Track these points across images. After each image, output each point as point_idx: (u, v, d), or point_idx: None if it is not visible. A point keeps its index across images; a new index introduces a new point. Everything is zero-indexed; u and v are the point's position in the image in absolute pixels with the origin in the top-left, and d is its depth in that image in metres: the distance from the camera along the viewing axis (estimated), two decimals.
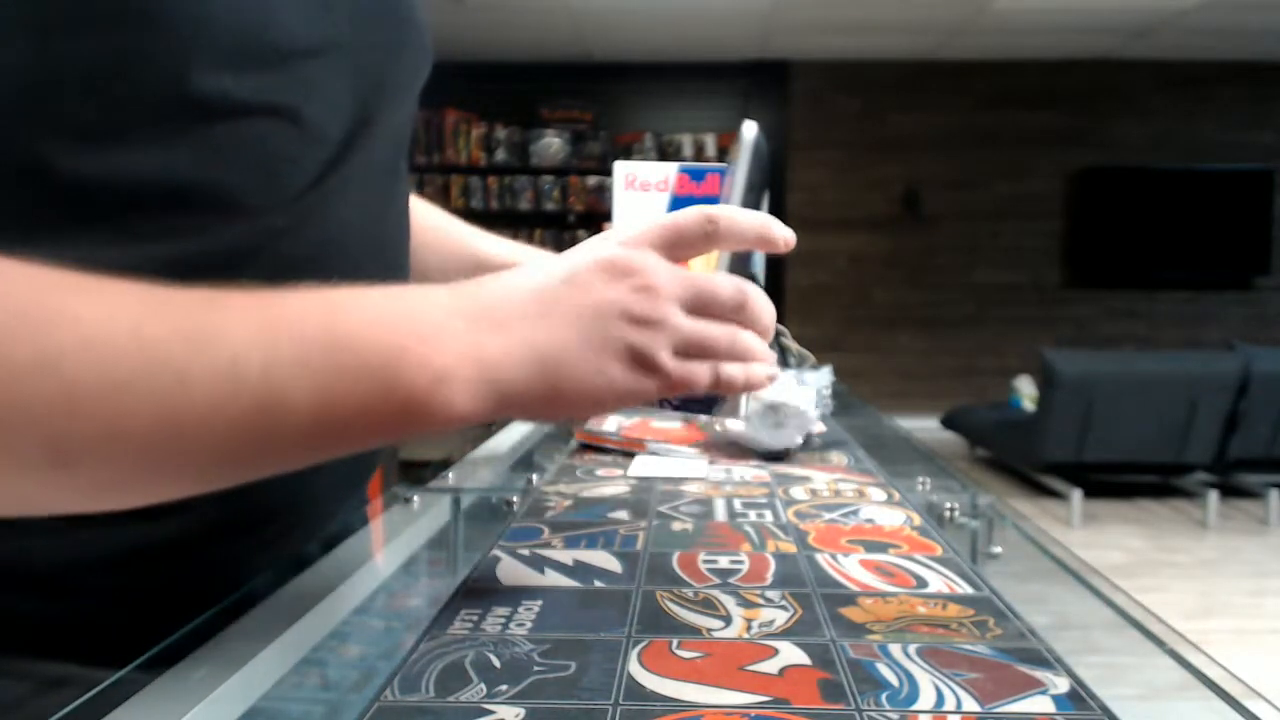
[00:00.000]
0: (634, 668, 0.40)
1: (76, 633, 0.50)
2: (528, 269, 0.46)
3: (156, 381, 0.36)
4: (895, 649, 0.43)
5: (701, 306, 0.47)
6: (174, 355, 0.36)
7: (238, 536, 0.56)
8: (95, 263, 0.40)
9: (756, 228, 0.50)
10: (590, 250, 0.46)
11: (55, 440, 0.34)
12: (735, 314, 0.48)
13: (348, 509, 0.67)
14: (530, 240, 6.59)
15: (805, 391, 0.93)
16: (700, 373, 0.46)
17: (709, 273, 0.48)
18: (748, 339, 0.49)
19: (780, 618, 0.47)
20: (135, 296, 0.37)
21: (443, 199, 6.57)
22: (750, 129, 0.65)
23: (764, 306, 0.49)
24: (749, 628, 0.46)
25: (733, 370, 0.48)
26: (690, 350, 0.46)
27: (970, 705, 0.37)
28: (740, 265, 0.68)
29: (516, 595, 0.50)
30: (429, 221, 0.80)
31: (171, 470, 0.38)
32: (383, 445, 0.43)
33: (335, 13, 0.51)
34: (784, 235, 0.50)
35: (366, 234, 0.58)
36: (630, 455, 0.88)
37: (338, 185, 0.53)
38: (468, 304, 0.43)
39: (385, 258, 0.62)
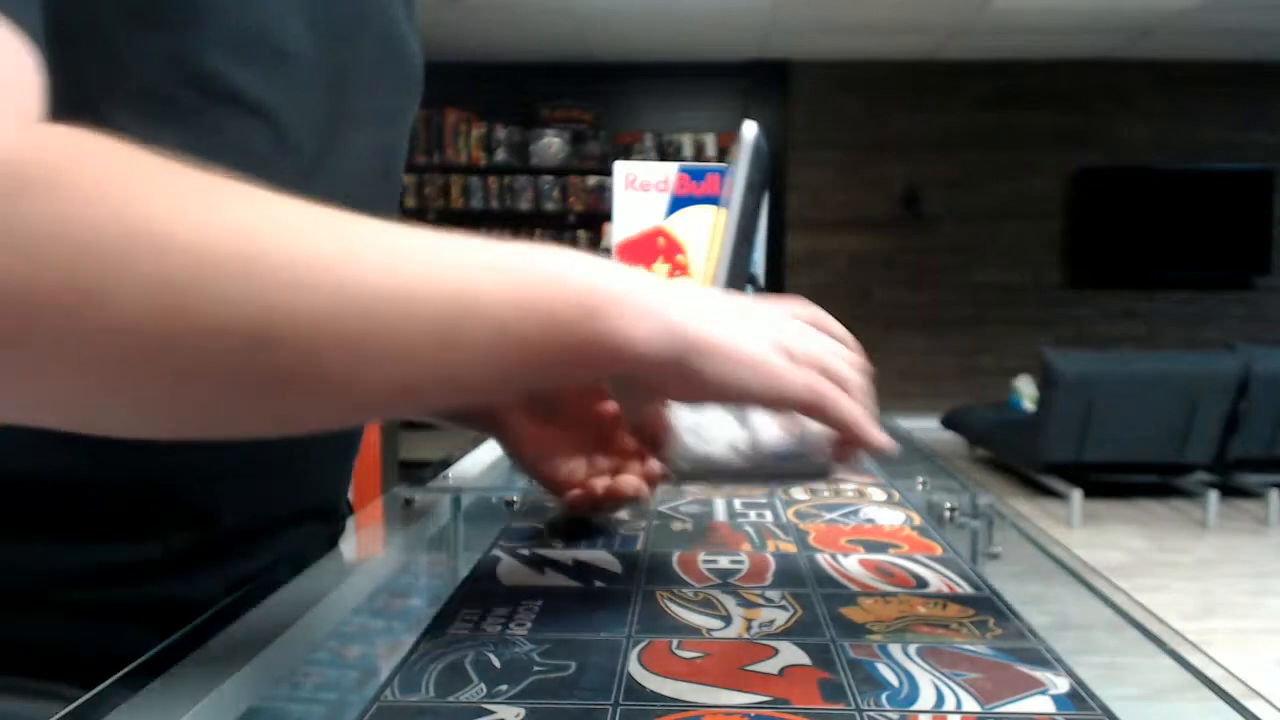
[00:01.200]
0: (634, 668, 0.40)
1: (61, 649, 0.50)
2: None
3: (361, 267, 0.36)
4: (895, 649, 0.43)
5: (833, 365, 0.49)
6: (367, 241, 0.37)
7: (213, 557, 0.56)
8: None
9: (850, 343, 0.53)
10: (771, 307, 0.51)
11: (274, 316, 0.34)
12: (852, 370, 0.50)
13: (319, 526, 0.67)
14: (530, 240, 6.58)
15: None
16: (828, 389, 0.47)
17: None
18: (861, 393, 0.50)
19: (780, 618, 0.47)
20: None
21: (443, 199, 6.57)
22: (750, 129, 0.65)
23: (864, 384, 0.51)
24: (749, 628, 0.46)
25: (852, 407, 0.48)
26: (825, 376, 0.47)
27: (970, 705, 0.37)
28: (740, 266, 0.68)
29: (516, 595, 0.50)
30: None
31: (367, 374, 0.37)
32: (560, 374, 0.42)
33: (316, 26, 0.51)
34: (875, 439, 0.49)
35: None
36: None
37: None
38: (634, 269, 0.45)
39: None
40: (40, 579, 0.50)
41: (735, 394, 0.44)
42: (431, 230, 0.39)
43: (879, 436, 0.47)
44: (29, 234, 0.31)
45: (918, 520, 0.67)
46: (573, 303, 0.39)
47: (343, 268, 0.36)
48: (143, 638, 0.45)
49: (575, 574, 0.54)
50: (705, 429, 0.52)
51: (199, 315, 0.33)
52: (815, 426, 0.51)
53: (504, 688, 0.39)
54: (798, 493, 0.75)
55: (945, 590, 0.52)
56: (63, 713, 0.37)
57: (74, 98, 0.42)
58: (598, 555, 0.58)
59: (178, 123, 0.46)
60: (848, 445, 0.49)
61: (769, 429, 0.52)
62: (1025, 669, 0.41)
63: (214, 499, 0.55)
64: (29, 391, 0.34)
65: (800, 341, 0.47)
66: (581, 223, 6.55)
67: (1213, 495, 4.46)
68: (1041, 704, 0.38)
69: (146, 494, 0.52)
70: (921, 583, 0.53)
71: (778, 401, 0.45)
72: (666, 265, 1.32)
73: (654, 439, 0.51)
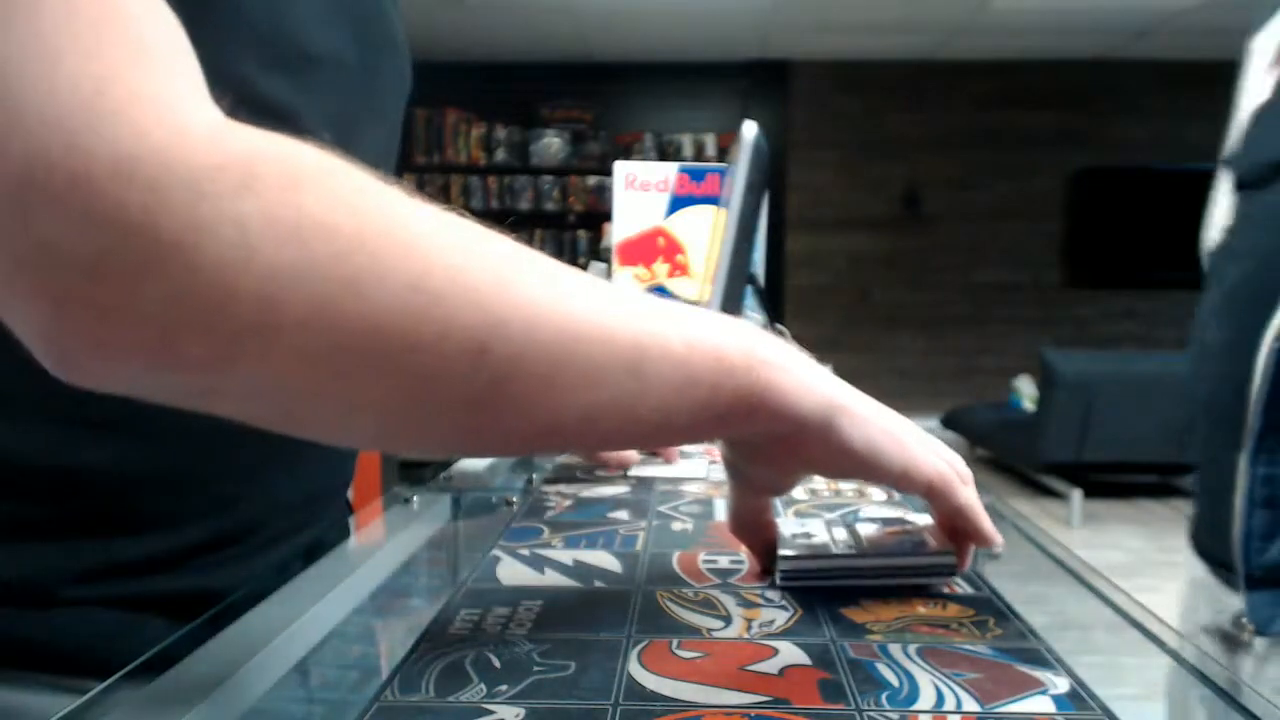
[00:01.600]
0: (634, 668, 0.41)
1: (81, 644, 0.50)
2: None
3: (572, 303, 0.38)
4: (895, 649, 0.43)
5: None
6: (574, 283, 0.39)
7: (230, 548, 0.56)
8: None
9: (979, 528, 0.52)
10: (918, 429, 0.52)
11: (492, 327, 0.36)
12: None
13: (329, 517, 0.67)
14: (530, 240, 6.59)
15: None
16: (954, 473, 0.50)
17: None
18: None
19: (780, 618, 0.47)
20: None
21: (443, 199, 6.56)
22: (750, 129, 0.65)
23: None
24: (749, 628, 0.46)
25: (974, 495, 0.51)
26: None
27: (970, 705, 0.37)
28: (740, 265, 0.68)
29: (516, 595, 0.50)
30: None
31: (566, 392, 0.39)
32: (732, 431, 0.46)
33: (336, 26, 0.51)
34: (992, 534, 0.52)
35: None
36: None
37: None
38: (813, 369, 0.47)
39: None
40: (57, 574, 0.50)
41: (872, 460, 0.46)
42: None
43: (994, 531, 0.50)
44: (304, 223, 0.33)
45: None
46: (741, 354, 0.42)
47: (552, 291, 0.38)
48: (164, 629, 0.45)
49: (575, 574, 0.54)
50: (811, 534, 0.54)
51: (437, 319, 0.35)
52: (923, 531, 0.54)
53: (504, 688, 0.39)
54: (797, 492, 0.75)
55: (945, 590, 0.52)
56: (63, 713, 0.37)
57: None
58: (598, 555, 0.58)
59: None
60: (964, 539, 0.51)
61: (878, 535, 0.54)
62: (1025, 669, 0.41)
63: (231, 491, 0.55)
64: (276, 379, 0.35)
65: (927, 437, 0.50)
66: (581, 223, 6.55)
67: None
68: (1041, 704, 0.38)
69: (165, 487, 0.52)
70: None
71: (908, 476, 0.47)
72: (666, 265, 1.32)
73: (763, 537, 0.53)
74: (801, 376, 0.44)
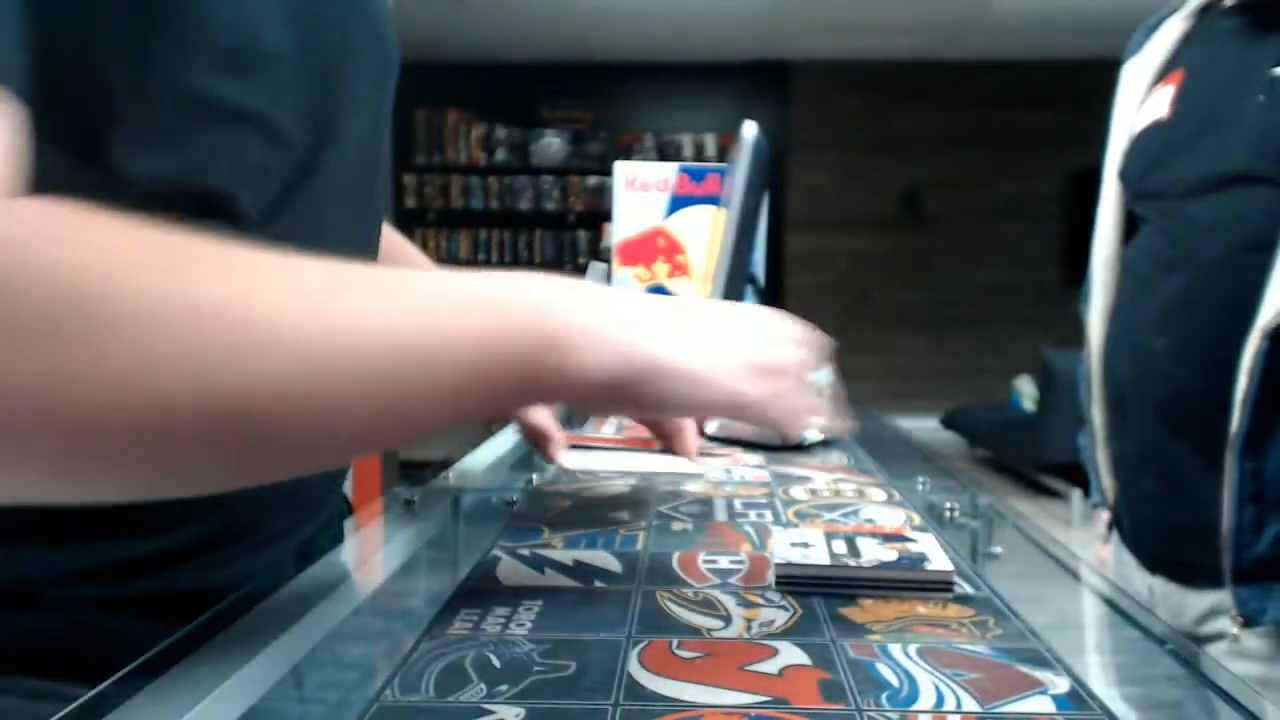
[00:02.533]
0: (634, 668, 0.41)
1: (64, 647, 0.50)
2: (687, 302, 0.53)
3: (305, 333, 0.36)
4: (895, 649, 0.43)
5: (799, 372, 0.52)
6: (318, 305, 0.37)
7: (222, 548, 0.56)
8: None
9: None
10: (743, 312, 0.52)
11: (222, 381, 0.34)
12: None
13: (327, 510, 0.67)
14: (530, 240, 6.60)
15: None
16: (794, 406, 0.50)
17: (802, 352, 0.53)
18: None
19: (780, 618, 0.47)
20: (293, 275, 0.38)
21: (442, 199, 6.57)
22: (750, 129, 0.65)
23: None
24: (749, 628, 0.46)
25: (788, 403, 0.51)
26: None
27: (970, 705, 0.37)
28: (740, 265, 0.68)
29: (516, 595, 0.50)
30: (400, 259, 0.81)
31: (316, 431, 0.38)
32: (513, 406, 0.47)
33: (296, 20, 0.51)
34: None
35: (356, 253, 0.58)
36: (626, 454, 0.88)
37: (312, 201, 0.53)
38: (595, 287, 0.46)
39: None
40: (43, 576, 0.50)
41: (692, 410, 0.47)
42: (401, 269, 0.41)
43: (805, 429, 0.52)
44: (6, 318, 0.31)
45: (918, 520, 0.67)
46: (533, 342, 0.41)
47: (309, 330, 0.36)
48: (154, 630, 0.45)
49: (575, 574, 0.54)
50: (809, 544, 0.54)
51: (165, 398, 0.33)
52: (924, 547, 0.54)
53: (504, 688, 0.39)
54: (798, 492, 0.75)
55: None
56: (63, 712, 0.37)
57: (76, 137, 0.43)
58: (598, 555, 0.58)
59: (177, 146, 0.46)
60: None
61: (877, 549, 0.54)
62: (1025, 669, 0.41)
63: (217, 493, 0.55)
64: (15, 474, 0.34)
65: (763, 353, 0.49)
66: (581, 223, 6.55)
67: None
68: (1041, 704, 0.38)
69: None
70: None
71: (736, 411, 0.48)
72: (666, 265, 1.32)
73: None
74: (604, 345, 0.43)
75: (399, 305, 0.39)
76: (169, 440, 0.35)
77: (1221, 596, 0.90)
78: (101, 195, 0.44)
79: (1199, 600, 0.94)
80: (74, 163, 0.43)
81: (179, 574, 0.53)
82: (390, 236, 0.79)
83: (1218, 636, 0.92)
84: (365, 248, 0.64)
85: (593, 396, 0.44)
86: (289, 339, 0.36)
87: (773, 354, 0.50)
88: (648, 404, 0.46)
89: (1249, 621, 0.87)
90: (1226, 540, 0.86)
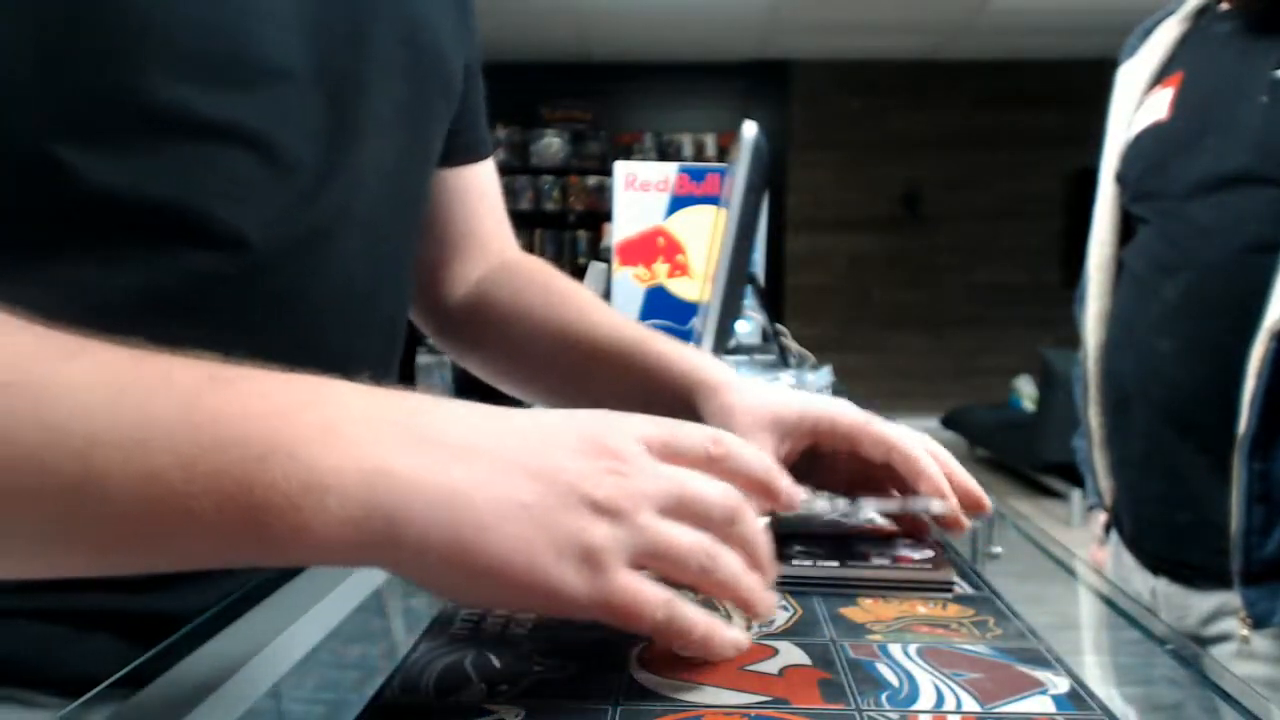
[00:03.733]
0: (634, 668, 0.41)
1: (38, 658, 0.49)
2: (499, 409, 0.37)
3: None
4: (895, 649, 0.43)
5: (682, 514, 0.37)
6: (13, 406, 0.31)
7: (198, 573, 0.54)
8: (73, 286, 0.39)
9: (760, 473, 0.42)
10: (575, 417, 0.38)
11: None
12: (723, 528, 0.38)
13: None
14: (530, 240, 6.60)
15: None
16: (651, 601, 0.35)
17: (696, 472, 0.38)
18: (729, 567, 0.37)
19: (780, 618, 0.47)
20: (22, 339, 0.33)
21: None
22: (750, 129, 0.65)
23: (759, 534, 0.39)
24: (749, 628, 0.46)
25: (690, 615, 0.37)
26: (649, 563, 0.36)
27: (970, 705, 0.37)
28: (740, 265, 0.68)
29: None
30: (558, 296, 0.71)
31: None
32: (223, 564, 0.35)
33: (313, 35, 0.48)
34: (787, 493, 0.43)
35: (353, 296, 0.55)
36: None
37: (318, 231, 0.50)
38: (390, 410, 0.35)
39: (371, 325, 0.58)
40: (9, 585, 0.47)
41: (485, 603, 0.38)
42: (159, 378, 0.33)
43: (726, 640, 0.38)
44: None
45: None
46: (240, 498, 0.31)
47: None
48: (112, 646, 0.44)
49: None
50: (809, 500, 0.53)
51: None
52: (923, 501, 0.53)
53: (504, 688, 0.39)
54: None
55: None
56: (64, 712, 0.37)
57: (18, 139, 0.40)
58: None
59: (142, 160, 0.43)
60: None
61: (875, 506, 0.55)
62: (1025, 669, 0.41)
63: None
64: None
65: (602, 505, 0.34)
66: (581, 223, 6.55)
67: None
68: (1041, 704, 0.38)
69: None
70: None
71: (557, 612, 0.35)
72: (666, 265, 1.32)
73: None
74: (349, 503, 0.32)
75: (100, 436, 0.31)
76: None
77: (1227, 597, 0.90)
78: (62, 206, 0.43)
79: (1204, 601, 0.94)
80: (21, 169, 0.41)
81: (143, 595, 0.50)
82: (547, 277, 0.72)
83: (1224, 638, 0.92)
84: (392, 286, 0.60)
85: (332, 559, 0.34)
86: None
87: (614, 494, 0.34)
88: (423, 581, 0.35)
89: (1258, 623, 0.87)
90: (1235, 541, 0.86)
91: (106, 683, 0.40)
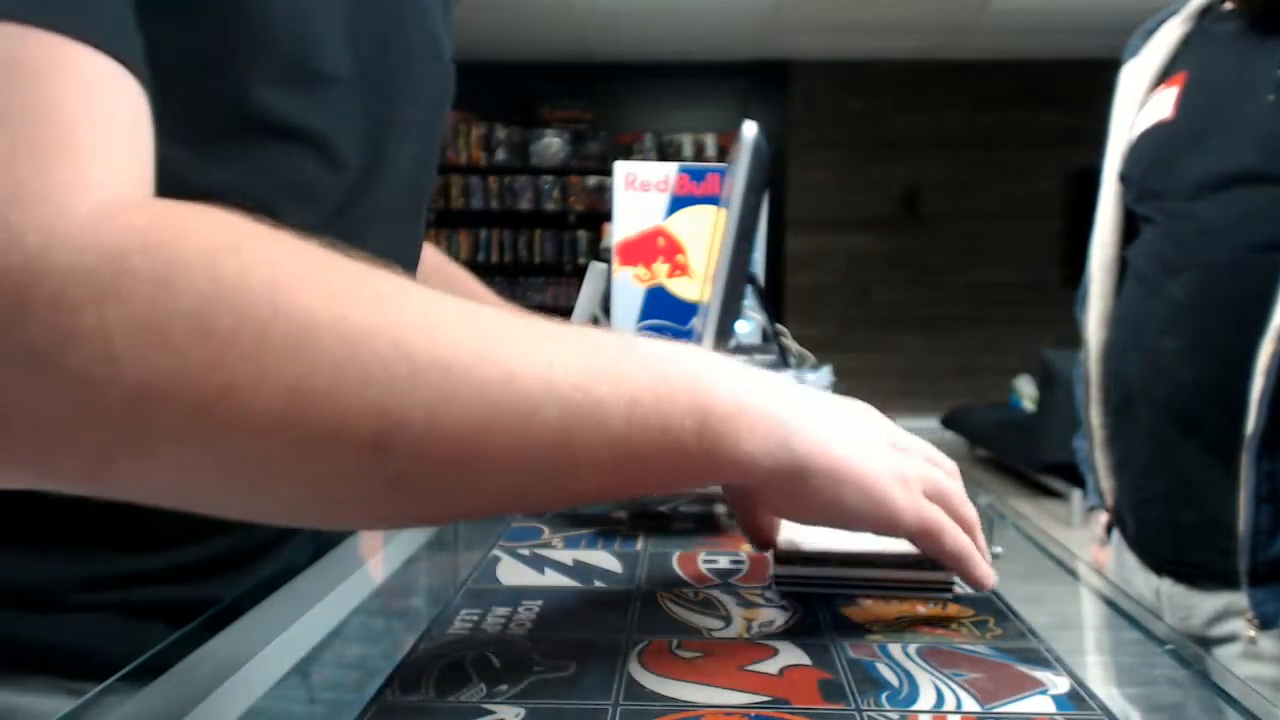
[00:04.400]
0: (634, 668, 0.41)
1: (86, 650, 0.50)
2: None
3: (479, 371, 0.35)
4: (895, 649, 0.43)
5: (937, 497, 0.47)
6: (499, 349, 0.36)
7: (245, 560, 0.56)
8: None
9: (968, 521, 0.48)
10: (871, 412, 0.49)
11: (389, 412, 0.33)
12: (958, 506, 0.47)
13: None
14: (530, 240, 6.60)
15: None
16: (946, 523, 0.45)
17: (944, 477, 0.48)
18: (971, 518, 0.48)
19: (780, 618, 0.47)
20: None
21: (442, 199, 6.57)
22: (750, 129, 0.65)
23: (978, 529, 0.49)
24: (749, 628, 0.46)
25: (963, 540, 0.46)
26: (937, 500, 0.46)
27: (970, 705, 0.37)
28: (740, 265, 0.68)
29: (516, 595, 0.50)
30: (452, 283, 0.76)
31: (485, 474, 0.36)
32: (664, 483, 0.43)
33: (356, 40, 0.50)
34: (983, 577, 0.47)
35: None
36: None
37: (359, 222, 0.53)
38: (755, 373, 0.43)
39: None
40: (65, 582, 0.50)
41: (846, 518, 0.44)
42: (557, 321, 0.39)
43: (986, 572, 0.46)
44: (175, 327, 0.30)
45: None
46: (693, 416, 0.39)
47: (461, 371, 0.35)
48: (168, 634, 0.45)
49: (575, 574, 0.54)
50: (818, 531, 0.51)
51: (322, 422, 0.33)
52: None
53: (504, 688, 0.39)
54: None
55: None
56: (63, 713, 0.37)
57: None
58: (598, 555, 0.58)
59: (232, 161, 0.45)
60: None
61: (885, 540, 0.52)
62: (1025, 669, 0.41)
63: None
64: (161, 484, 0.34)
65: (916, 466, 0.46)
66: (581, 223, 6.55)
67: None
68: (1041, 704, 0.38)
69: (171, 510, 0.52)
70: None
71: (889, 528, 0.44)
72: (666, 265, 1.32)
73: (763, 544, 0.51)
74: (764, 432, 0.40)
75: (548, 356, 0.37)
76: (314, 475, 0.34)
77: (1233, 598, 0.90)
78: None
79: (1209, 602, 0.94)
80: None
81: (196, 583, 0.53)
82: (440, 262, 0.76)
83: (1229, 639, 0.92)
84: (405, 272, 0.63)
85: (757, 484, 0.42)
86: (439, 381, 0.34)
87: (930, 470, 0.47)
88: (806, 504, 0.43)
89: (1264, 623, 0.87)
90: (1242, 542, 0.86)
91: (109, 681, 0.40)
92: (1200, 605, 0.95)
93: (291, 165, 0.48)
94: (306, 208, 0.49)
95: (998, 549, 0.65)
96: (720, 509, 0.69)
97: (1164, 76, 1.03)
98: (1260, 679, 0.87)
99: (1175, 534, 0.97)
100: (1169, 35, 1.05)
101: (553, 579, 0.53)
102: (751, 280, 1.18)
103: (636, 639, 0.44)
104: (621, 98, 6.66)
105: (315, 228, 0.48)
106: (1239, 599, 0.88)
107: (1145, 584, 1.02)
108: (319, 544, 0.63)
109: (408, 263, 0.63)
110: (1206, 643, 0.93)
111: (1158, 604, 0.99)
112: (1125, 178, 1.05)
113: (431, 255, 0.78)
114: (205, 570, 0.53)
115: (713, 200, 1.17)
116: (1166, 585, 0.99)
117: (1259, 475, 0.84)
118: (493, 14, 5.55)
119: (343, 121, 0.50)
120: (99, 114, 0.34)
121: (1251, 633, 0.88)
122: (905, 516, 0.44)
